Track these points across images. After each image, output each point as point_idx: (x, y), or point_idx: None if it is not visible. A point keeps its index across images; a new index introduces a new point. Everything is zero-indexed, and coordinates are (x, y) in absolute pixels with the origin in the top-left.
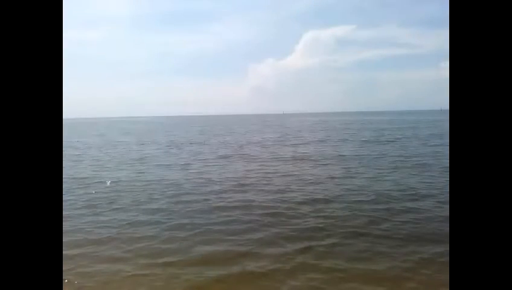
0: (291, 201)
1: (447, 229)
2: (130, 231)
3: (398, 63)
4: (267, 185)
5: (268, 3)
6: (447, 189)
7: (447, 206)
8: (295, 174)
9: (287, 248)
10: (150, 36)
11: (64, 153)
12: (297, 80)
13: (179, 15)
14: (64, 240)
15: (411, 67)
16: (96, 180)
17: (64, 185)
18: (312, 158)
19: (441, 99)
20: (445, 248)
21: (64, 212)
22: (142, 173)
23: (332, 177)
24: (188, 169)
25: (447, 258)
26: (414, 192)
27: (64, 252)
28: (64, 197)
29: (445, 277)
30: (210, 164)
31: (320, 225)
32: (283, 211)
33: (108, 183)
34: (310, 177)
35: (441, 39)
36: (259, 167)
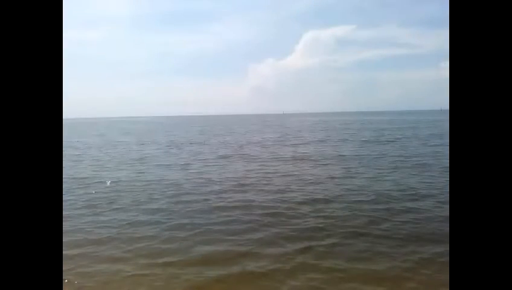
0: (291, 201)
1: (447, 229)
2: (130, 231)
3: (398, 63)
4: (267, 185)
5: (268, 3)
6: (447, 189)
7: (447, 206)
8: (295, 174)
9: (287, 248)
10: (150, 36)
11: (64, 153)
12: (297, 80)
13: (179, 15)
14: (64, 240)
15: (411, 67)
16: (96, 180)
17: (64, 185)
18: (312, 158)
19: (441, 99)
20: (445, 248)
21: (64, 212)
22: (142, 173)
23: (332, 177)
24: (188, 169)
25: (447, 258)
26: (414, 192)
27: (64, 252)
28: (64, 197)
29: (445, 277)
30: (210, 164)
31: (320, 225)
32: (283, 211)
33: (108, 183)
34: (310, 177)
35: (441, 39)
36: (259, 167)
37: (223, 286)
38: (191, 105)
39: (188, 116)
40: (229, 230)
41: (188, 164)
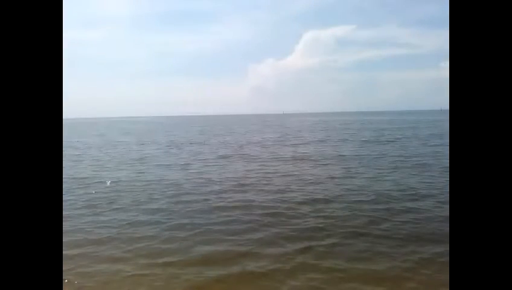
0: (291, 201)
1: (447, 229)
2: (130, 231)
3: (398, 63)
4: (267, 185)
5: (268, 3)
6: (447, 189)
7: (447, 206)
8: (295, 174)
9: (287, 248)
10: (149, 36)
11: (64, 153)
12: (297, 80)
13: (179, 15)
14: (64, 240)
15: (411, 67)
16: (96, 180)
17: (64, 185)
18: (312, 158)
19: (441, 99)
20: (445, 248)
21: (64, 212)
22: (142, 173)
23: (332, 177)
24: (188, 169)
25: (447, 258)
26: (414, 192)
27: (64, 252)
28: (64, 197)
29: (445, 277)
30: (210, 164)
31: (320, 225)
32: (283, 211)
33: (108, 183)
34: (310, 177)
35: (441, 39)
36: (259, 167)
37: (223, 286)
38: (191, 105)
39: (188, 116)
40: (229, 230)
41: (188, 164)
